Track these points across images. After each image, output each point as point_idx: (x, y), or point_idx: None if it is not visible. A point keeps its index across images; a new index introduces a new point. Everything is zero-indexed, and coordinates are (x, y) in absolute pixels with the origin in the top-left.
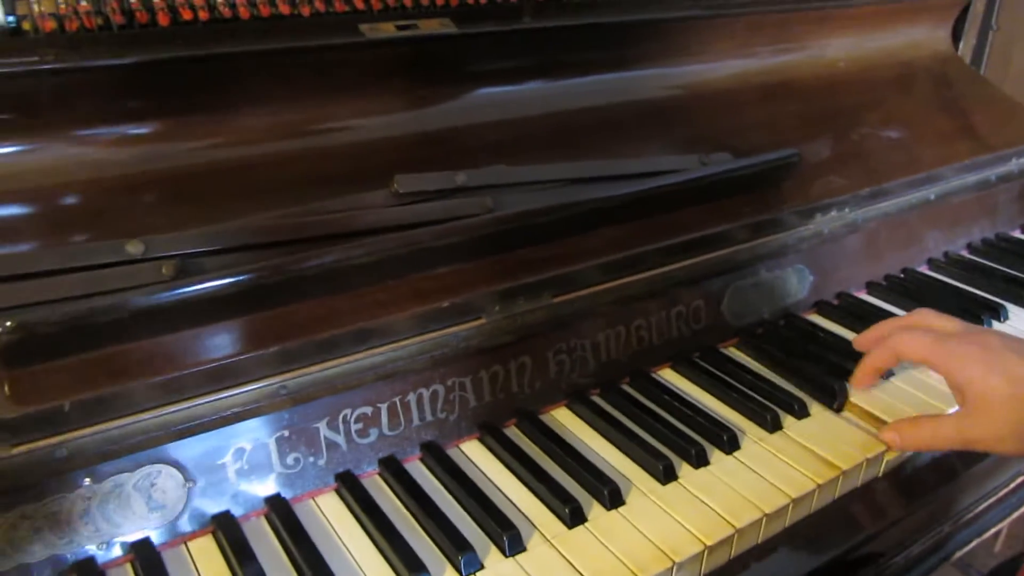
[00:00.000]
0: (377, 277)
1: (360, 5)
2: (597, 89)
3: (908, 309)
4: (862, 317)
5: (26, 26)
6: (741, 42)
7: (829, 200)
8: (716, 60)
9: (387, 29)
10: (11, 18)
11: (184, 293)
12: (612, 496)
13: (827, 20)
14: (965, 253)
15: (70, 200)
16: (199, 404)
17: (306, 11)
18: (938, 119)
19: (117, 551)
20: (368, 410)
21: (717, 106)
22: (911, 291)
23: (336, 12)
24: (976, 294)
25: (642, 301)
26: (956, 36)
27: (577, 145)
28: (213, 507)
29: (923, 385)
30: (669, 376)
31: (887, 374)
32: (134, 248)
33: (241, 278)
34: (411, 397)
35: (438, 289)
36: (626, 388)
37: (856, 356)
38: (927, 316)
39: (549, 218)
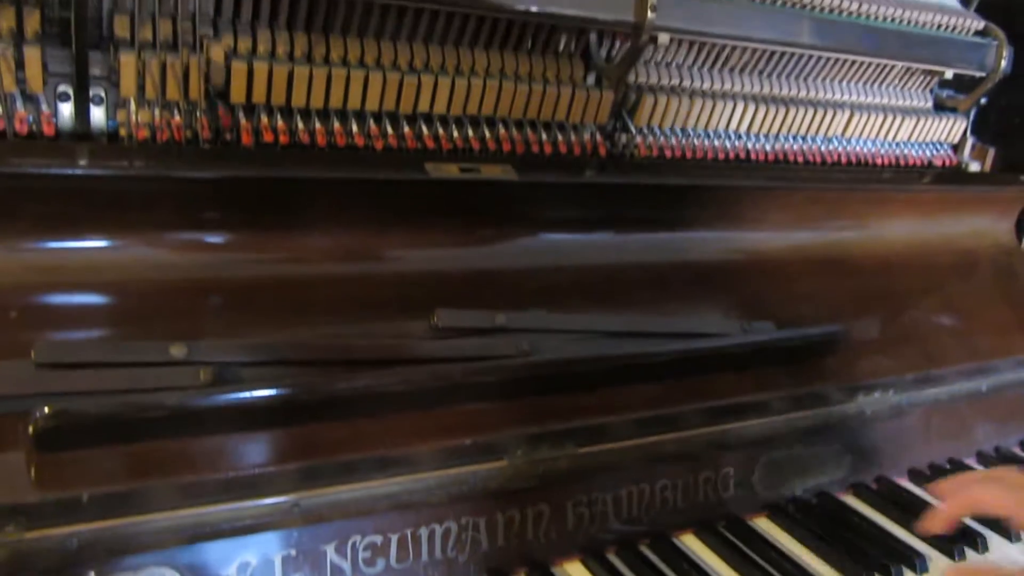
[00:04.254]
0: (405, 406)
1: (430, 144)
2: (650, 246)
3: None
4: (901, 505)
5: (123, 132)
6: (798, 215)
7: (873, 381)
8: (772, 230)
9: (450, 170)
10: (113, 123)
11: (216, 401)
12: None
13: (887, 202)
14: (1017, 450)
15: (136, 297)
16: (213, 512)
17: (379, 145)
18: (996, 310)
19: None
20: (378, 539)
21: (768, 275)
22: None
23: (407, 149)
24: None
25: (670, 462)
26: (1020, 230)
27: (624, 298)
28: None
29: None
30: (691, 543)
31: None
32: (177, 351)
33: (273, 392)
34: (423, 531)
35: (463, 426)
36: (645, 551)
37: (891, 546)
38: (1010, 473)
39: (583, 368)
